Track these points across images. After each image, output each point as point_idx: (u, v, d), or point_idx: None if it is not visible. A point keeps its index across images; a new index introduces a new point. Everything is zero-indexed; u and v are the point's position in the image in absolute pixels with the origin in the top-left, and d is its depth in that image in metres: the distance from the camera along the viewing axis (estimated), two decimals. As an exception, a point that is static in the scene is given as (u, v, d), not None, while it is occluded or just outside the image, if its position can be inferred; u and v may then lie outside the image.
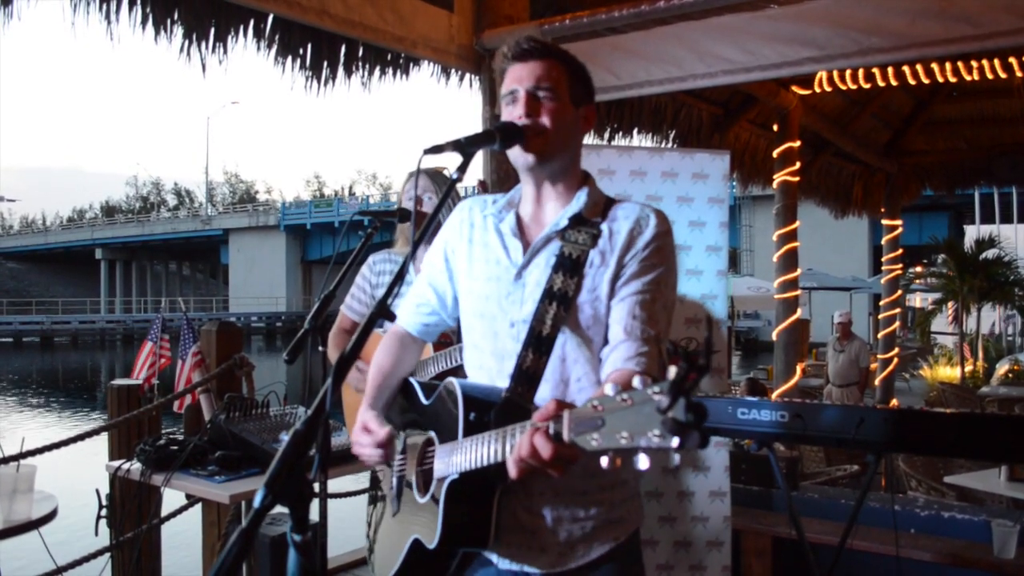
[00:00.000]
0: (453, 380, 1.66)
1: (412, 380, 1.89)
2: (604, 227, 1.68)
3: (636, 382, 1.10)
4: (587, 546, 1.67)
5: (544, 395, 1.64)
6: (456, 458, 1.55)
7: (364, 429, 1.76)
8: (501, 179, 4.05)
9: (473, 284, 1.76)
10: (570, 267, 1.64)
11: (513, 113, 1.65)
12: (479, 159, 4.05)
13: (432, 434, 1.71)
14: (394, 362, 1.90)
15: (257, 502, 1.14)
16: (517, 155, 1.66)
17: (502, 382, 1.66)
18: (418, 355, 1.99)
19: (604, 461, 1.13)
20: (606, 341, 1.63)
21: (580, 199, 1.70)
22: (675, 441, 1.04)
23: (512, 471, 1.34)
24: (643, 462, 1.08)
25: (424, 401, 1.80)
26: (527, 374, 1.62)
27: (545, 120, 1.63)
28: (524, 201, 1.77)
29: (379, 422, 1.76)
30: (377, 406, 1.83)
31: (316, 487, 2.51)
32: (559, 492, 1.64)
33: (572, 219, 1.68)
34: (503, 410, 1.57)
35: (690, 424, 1.03)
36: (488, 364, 1.73)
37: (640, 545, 1.79)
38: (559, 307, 1.62)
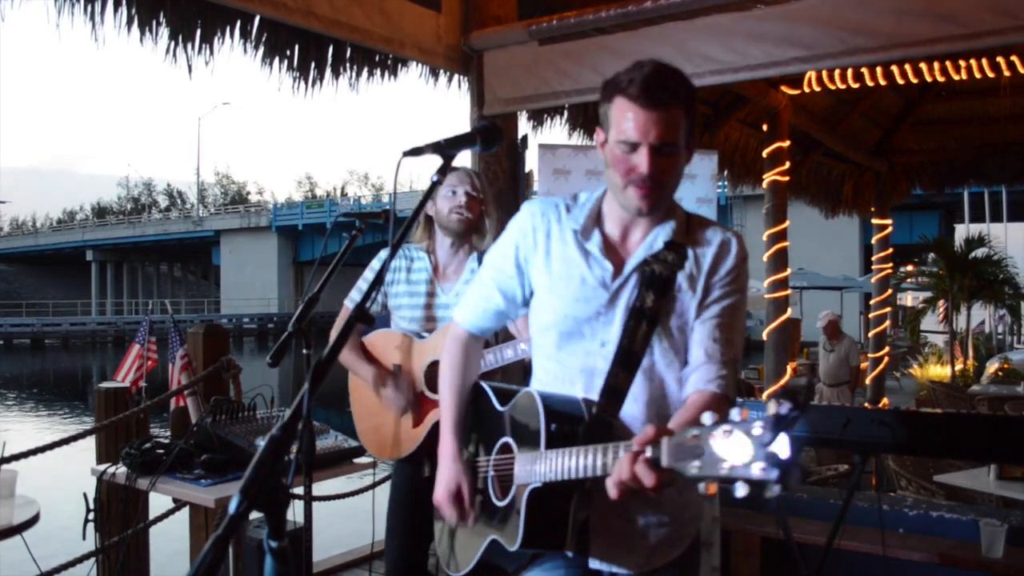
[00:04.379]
0: (531, 391, 1.70)
1: (483, 384, 1.91)
2: (690, 251, 1.71)
3: (734, 414, 1.13)
4: (669, 548, 1.76)
5: (634, 413, 1.69)
6: (539, 467, 1.59)
7: (457, 497, 1.81)
8: (489, 180, 4.03)
9: (555, 301, 1.75)
10: (659, 287, 1.67)
11: (633, 164, 1.61)
12: (468, 160, 4.05)
13: (509, 440, 1.74)
14: (466, 376, 1.92)
15: (232, 508, 1.12)
16: (628, 200, 1.65)
17: (589, 396, 1.69)
18: (480, 356, 2.03)
19: (701, 487, 1.17)
20: (687, 362, 1.69)
21: (671, 224, 1.72)
22: (775, 474, 1.06)
23: (612, 492, 1.37)
24: (741, 490, 1.11)
25: (499, 407, 1.82)
26: (615, 391, 1.65)
27: (665, 179, 1.63)
28: (609, 221, 1.76)
29: (469, 484, 1.81)
30: (459, 443, 1.86)
31: (300, 490, 2.50)
32: (646, 499, 1.66)
33: (666, 244, 1.70)
34: (592, 425, 1.61)
35: (793, 463, 1.07)
36: (574, 378, 1.74)
37: (698, 553, 1.89)
38: (648, 326, 1.65)
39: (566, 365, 1.76)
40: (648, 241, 1.71)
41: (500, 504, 1.73)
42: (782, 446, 1.07)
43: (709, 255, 1.71)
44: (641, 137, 1.58)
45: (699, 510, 1.84)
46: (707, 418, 1.17)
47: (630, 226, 1.74)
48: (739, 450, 1.11)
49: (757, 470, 1.08)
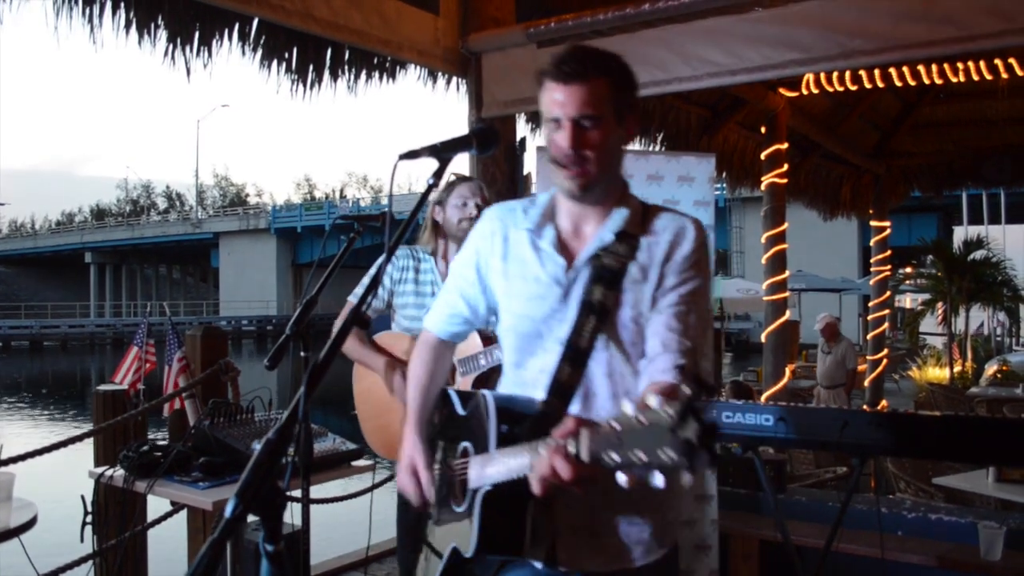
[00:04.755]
0: (486, 392, 1.67)
1: (449, 390, 1.89)
2: (644, 240, 1.67)
3: (652, 401, 1.11)
4: (644, 551, 1.69)
5: (599, 411, 1.64)
6: (489, 470, 1.56)
7: (412, 472, 1.77)
8: (488, 181, 4.04)
9: (513, 303, 1.74)
10: (609, 279, 1.64)
11: (557, 141, 1.61)
12: (463, 163, 4.05)
13: (468, 445, 1.71)
14: (432, 375, 1.90)
15: (228, 512, 1.12)
16: (561, 182, 1.64)
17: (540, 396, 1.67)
18: (450, 360, 1.99)
19: (622, 479, 1.15)
20: (644, 354, 1.64)
21: (622, 212, 1.69)
22: (684, 461, 1.06)
23: (535, 488, 1.35)
24: (658, 480, 1.10)
25: (461, 411, 1.80)
26: (563, 387, 1.62)
27: (590, 153, 1.60)
28: (561, 215, 1.74)
29: (426, 462, 1.77)
30: (422, 431, 1.84)
31: (298, 493, 2.50)
32: (614, 500, 1.65)
33: (616, 234, 1.67)
34: (537, 422, 1.57)
35: (700, 445, 1.05)
36: (537, 381, 1.70)
37: (678, 561, 1.82)
38: (597, 320, 1.62)
39: (527, 367, 1.73)
40: (600, 233, 1.68)
41: (459, 510, 1.70)
42: (690, 431, 1.05)
43: (664, 242, 1.67)
44: (560, 110, 1.60)
45: (679, 514, 1.79)
46: (628, 407, 1.15)
47: (581, 218, 1.72)
48: (652, 437, 1.09)
49: (666, 457, 1.07)
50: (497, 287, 1.77)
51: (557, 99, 1.60)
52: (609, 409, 1.63)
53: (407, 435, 1.84)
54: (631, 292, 1.64)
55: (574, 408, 1.64)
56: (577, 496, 1.47)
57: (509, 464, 1.48)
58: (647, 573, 1.70)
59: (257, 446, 2.75)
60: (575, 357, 1.62)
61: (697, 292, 1.66)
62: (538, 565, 1.68)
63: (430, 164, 1.53)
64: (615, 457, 1.15)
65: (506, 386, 1.80)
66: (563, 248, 1.70)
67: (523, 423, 1.59)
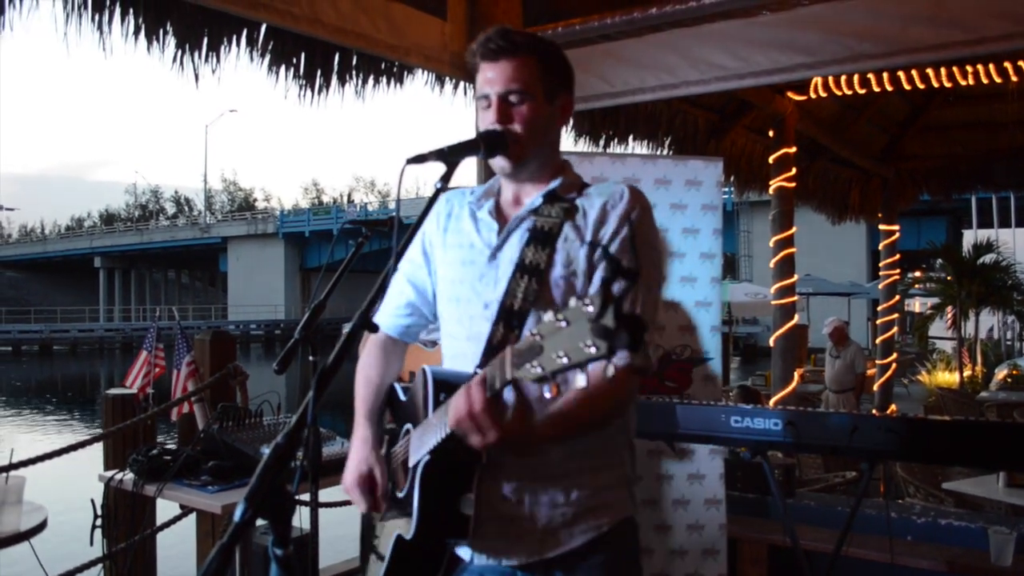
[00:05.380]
0: (424, 367, 1.63)
1: (394, 384, 1.87)
2: (579, 203, 1.67)
3: (572, 302, 1.09)
4: (568, 532, 1.60)
5: None
6: (426, 438, 1.52)
7: (366, 480, 1.72)
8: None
9: (447, 270, 1.75)
10: (542, 239, 1.62)
11: (487, 119, 1.64)
12: (471, 166, 4.05)
13: (408, 426, 1.68)
14: (382, 372, 1.87)
15: (237, 516, 1.13)
16: (494, 162, 1.66)
17: (474, 366, 1.63)
18: (402, 361, 1.95)
19: (546, 391, 1.13)
20: None
21: (558, 181, 1.69)
22: (604, 346, 1.03)
23: (451, 425, 1.34)
24: (580, 380, 1.08)
25: (402, 398, 1.78)
26: (497, 349, 1.55)
27: (518, 127, 1.61)
28: (504, 191, 1.77)
29: (381, 468, 1.73)
30: (374, 430, 1.80)
31: (307, 496, 2.50)
32: (537, 476, 1.59)
33: (546, 196, 1.67)
34: None
35: (619, 327, 1.02)
36: (464, 350, 1.68)
37: (636, 537, 1.72)
38: (531, 280, 1.59)
39: (456, 337, 1.72)
40: (532, 199, 1.69)
41: (400, 495, 1.64)
42: (609, 317, 1.03)
43: (597, 204, 1.65)
44: (488, 86, 1.63)
45: (615, 500, 1.66)
46: (549, 315, 1.12)
47: (520, 192, 1.73)
48: (572, 335, 1.07)
49: (587, 349, 1.04)
50: (438, 258, 1.78)
51: (487, 77, 1.63)
52: None
53: (357, 435, 1.79)
54: (563, 251, 1.62)
55: None
56: (500, 467, 1.44)
57: (441, 424, 1.44)
58: (581, 555, 1.60)
59: (266, 451, 2.77)
60: (508, 318, 1.59)
61: (644, 259, 1.60)
62: (466, 556, 1.63)
63: (438, 168, 1.53)
64: (538, 366, 1.12)
65: (444, 359, 1.77)
66: (499, 215, 1.72)
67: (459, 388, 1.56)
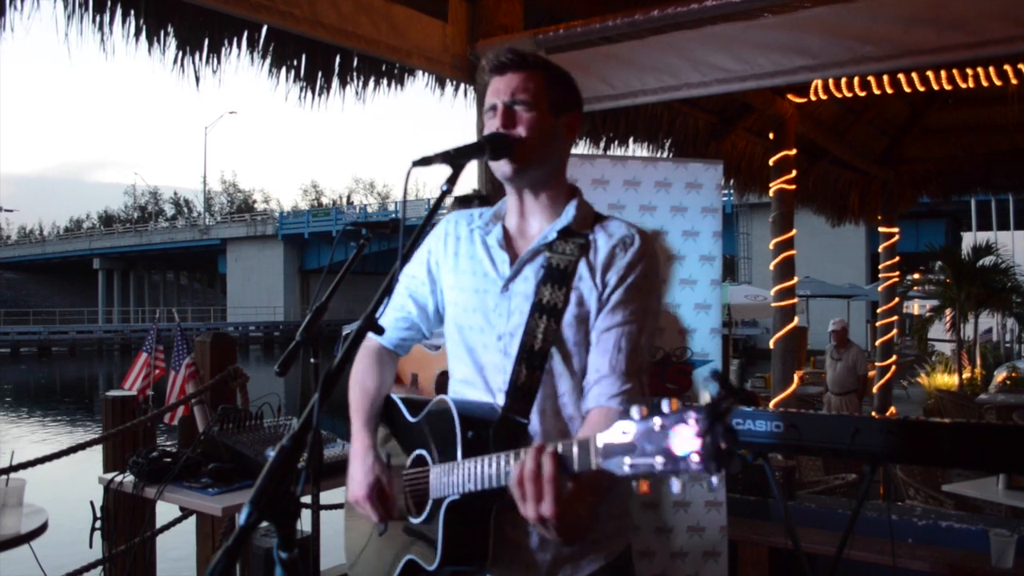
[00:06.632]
0: (445, 398, 1.64)
1: (394, 396, 1.87)
2: (592, 238, 1.67)
3: (664, 406, 1.08)
4: (575, 564, 1.64)
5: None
6: (456, 478, 1.52)
7: (377, 490, 1.71)
8: (497, 188, 4.04)
9: (459, 296, 1.75)
10: (558, 278, 1.63)
11: (492, 126, 1.64)
12: (473, 170, 4.05)
13: (423, 453, 1.68)
14: (378, 382, 1.86)
15: (242, 519, 1.12)
16: (496, 166, 1.66)
17: (487, 396, 1.65)
18: (395, 370, 1.95)
19: (635, 486, 1.11)
20: (587, 358, 1.62)
21: (569, 213, 1.69)
22: (714, 465, 1.02)
23: (514, 491, 1.31)
24: (676, 486, 1.06)
25: (410, 419, 1.77)
26: (522, 390, 1.60)
27: (522, 131, 1.62)
28: (509, 213, 1.76)
29: (388, 476, 1.73)
30: (373, 439, 1.80)
31: (308, 499, 2.50)
32: None
33: (561, 232, 1.67)
34: (501, 428, 1.56)
35: (728, 450, 1.02)
36: (471, 377, 1.71)
37: (632, 564, 1.75)
38: (549, 320, 1.61)
39: (466, 364, 1.73)
40: (545, 232, 1.69)
41: (416, 521, 1.66)
42: (719, 435, 1.02)
43: (606, 246, 1.65)
44: (495, 96, 1.65)
45: (617, 530, 1.71)
46: (635, 412, 1.11)
47: (527, 216, 1.73)
48: (676, 442, 1.05)
49: (694, 464, 1.03)
50: (446, 282, 1.79)
51: (495, 88, 1.66)
52: (547, 407, 1.62)
53: (361, 447, 1.78)
54: (577, 291, 1.64)
55: (533, 412, 1.62)
56: (505, 508, 1.42)
57: (484, 472, 1.44)
58: None
59: (270, 453, 2.76)
60: (531, 359, 1.61)
61: (645, 309, 1.64)
62: None
63: (442, 171, 1.53)
64: (630, 463, 1.11)
65: (452, 379, 1.79)
66: (509, 243, 1.73)
67: (487, 428, 1.57)
